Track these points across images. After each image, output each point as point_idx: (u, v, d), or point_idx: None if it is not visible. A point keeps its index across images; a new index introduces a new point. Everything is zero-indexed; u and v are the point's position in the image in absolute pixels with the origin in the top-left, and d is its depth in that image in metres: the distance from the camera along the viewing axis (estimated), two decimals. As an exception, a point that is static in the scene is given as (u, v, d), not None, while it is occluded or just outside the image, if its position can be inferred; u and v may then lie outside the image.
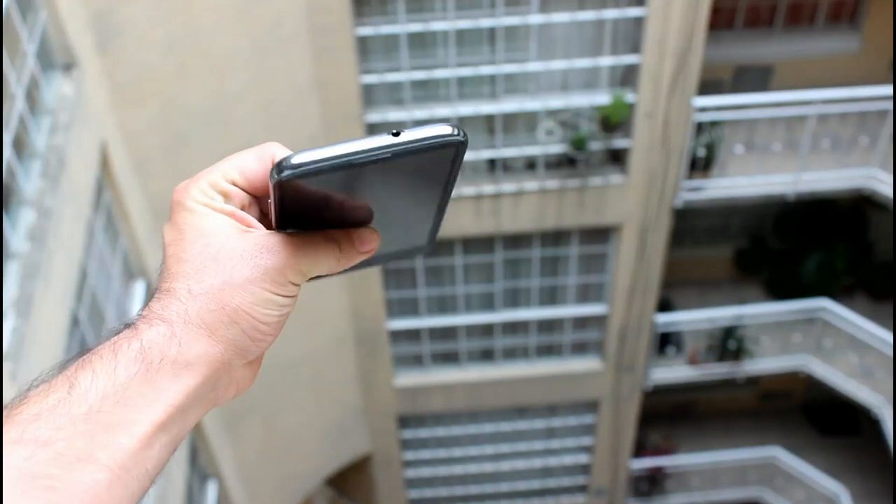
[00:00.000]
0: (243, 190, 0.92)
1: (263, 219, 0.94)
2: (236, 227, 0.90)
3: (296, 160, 0.83)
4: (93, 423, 0.76)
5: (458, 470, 12.81)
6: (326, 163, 0.83)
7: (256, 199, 0.94)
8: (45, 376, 0.82)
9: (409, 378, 11.34)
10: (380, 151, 0.84)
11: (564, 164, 9.46)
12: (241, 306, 0.87)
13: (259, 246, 0.88)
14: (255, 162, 0.92)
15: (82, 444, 0.75)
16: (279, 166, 0.83)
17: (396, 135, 0.84)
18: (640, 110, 8.90)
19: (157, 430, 0.81)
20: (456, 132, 0.87)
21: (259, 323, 0.88)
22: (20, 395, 0.80)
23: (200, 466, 8.90)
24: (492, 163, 9.51)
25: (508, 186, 9.44)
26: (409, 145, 0.85)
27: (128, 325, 0.86)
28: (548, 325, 11.05)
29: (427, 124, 0.87)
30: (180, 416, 0.83)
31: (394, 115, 8.96)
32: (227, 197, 0.91)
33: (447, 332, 11.04)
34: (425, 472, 12.80)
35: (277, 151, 0.92)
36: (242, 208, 0.92)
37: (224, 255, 0.88)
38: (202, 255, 0.88)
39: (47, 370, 0.82)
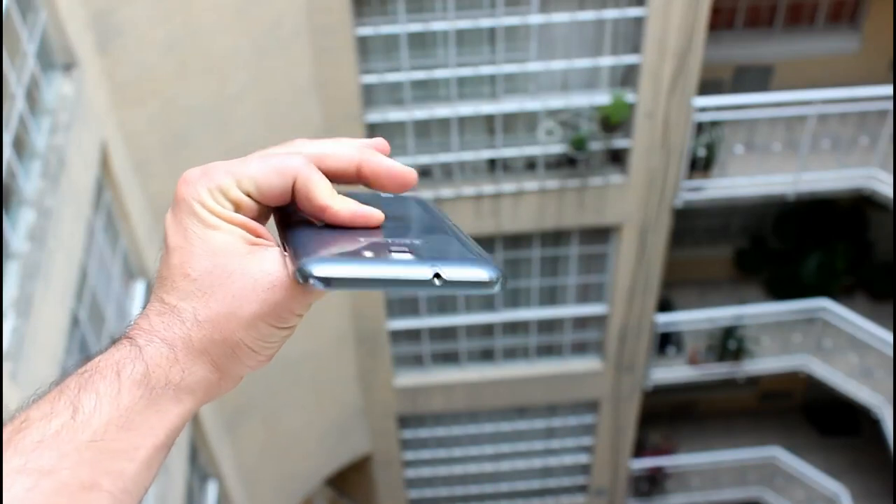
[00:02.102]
0: (256, 201, 0.88)
1: (279, 222, 0.91)
2: (246, 241, 0.86)
3: (322, 272, 0.78)
4: (97, 450, 0.76)
5: (458, 470, 12.82)
6: (356, 284, 0.79)
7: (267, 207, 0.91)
8: (45, 391, 0.80)
9: (409, 378, 11.35)
10: (414, 285, 0.80)
11: (564, 164, 9.46)
12: (244, 340, 0.85)
13: (271, 278, 0.84)
14: (274, 177, 0.86)
15: (86, 473, 0.74)
16: (302, 273, 0.78)
17: (437, 277, 0.80)
18: (640, 110, 8.90)
19: (158, 452, 0.81)
20: (495, 279, 0.81)
21: (258, 355, 0.87)
22: (20, 411, 0.78)
23: (200, 466, 8.90)
24: (492, 163, 9.51)
25: (508, 186, 9.44)
26: (446, 287, 0.81)
27: (128, 337, 0.84)
28: (548, 325, 11.05)
29: (469, 261, 0.82)
30: (176, 435, 0.84)
31: (394, 114, 8.97)
32: (237, 207, 0.87)
33: (447, 332, 11.04)
34: (425, 472, 12.80)
35: (301, 170, 0.86)
36: (253, 218, 0.88)
37: (234, 280, 0.84)
38: (211, 275, 0.84)
39: (47, 385, 0.81)
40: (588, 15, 8.45)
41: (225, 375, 0.87)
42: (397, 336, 10.98)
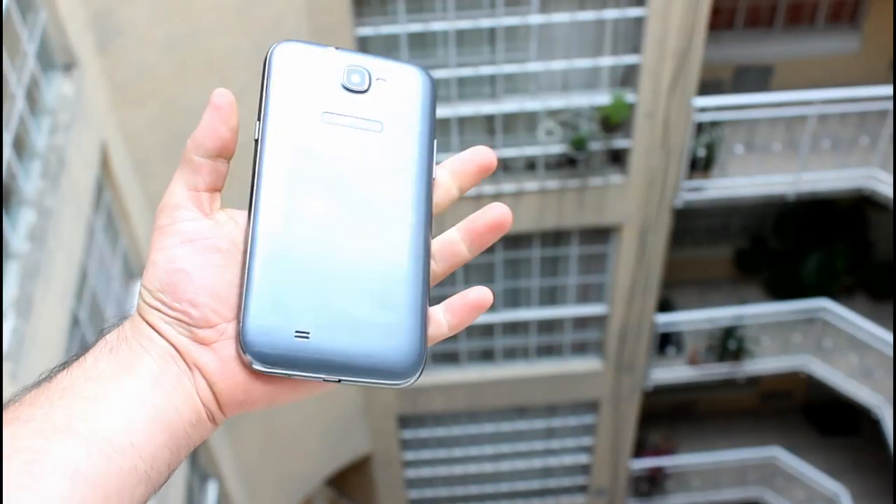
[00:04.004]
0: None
1: None
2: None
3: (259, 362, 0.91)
4: (68, 397, 0.80)
5: (458, 470, 12.82)
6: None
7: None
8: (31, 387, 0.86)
9: (409, 378, 11.33)
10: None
11: (564, 164, 9.46)
12: (146, 267, 0.94)
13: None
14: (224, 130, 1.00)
15: (60, 416, 0.77)
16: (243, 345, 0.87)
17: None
18: (640, 110, 8.90)
19: (131, 400, 0.81)
20: (409, 375, 0.91)
21: (149, 276, 0.92)
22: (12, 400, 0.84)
23: (200, 466, 8.90)
24: (492, 163, 9.50)
25: (508, 186, 9.44)
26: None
27: None
28: (548, 326, 11.05)
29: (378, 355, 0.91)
30: (155, 390, 0.83)
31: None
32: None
33: (447, 332, 11.03)
34: (425, 472, 12.80)
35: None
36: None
37: None
38: None
39: (31, 384, 0.85)
40: (588, 15, 8.46)
41: (154, 319, 0.88)
42: (397, 336, 10.96)
